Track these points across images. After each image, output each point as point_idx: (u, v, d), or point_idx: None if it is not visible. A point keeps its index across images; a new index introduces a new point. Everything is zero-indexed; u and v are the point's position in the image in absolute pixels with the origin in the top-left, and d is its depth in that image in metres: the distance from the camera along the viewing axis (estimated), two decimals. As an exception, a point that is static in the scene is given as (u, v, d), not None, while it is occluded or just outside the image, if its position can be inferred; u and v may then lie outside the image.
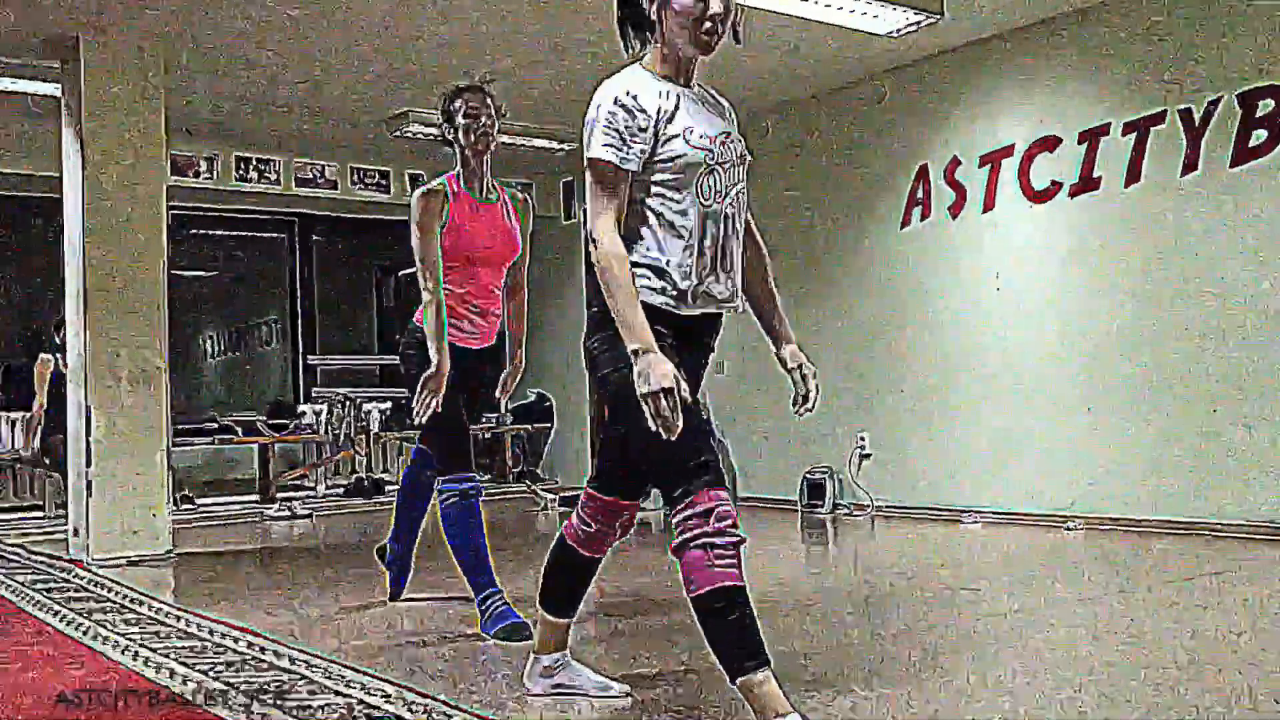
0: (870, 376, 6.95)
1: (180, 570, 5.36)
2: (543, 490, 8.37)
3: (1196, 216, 5.40)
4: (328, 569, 5.34)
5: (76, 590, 4.63)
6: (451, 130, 3.68)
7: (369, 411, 8.81)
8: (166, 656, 3.25)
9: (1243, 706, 2.49)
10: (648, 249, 2.34)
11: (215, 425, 8.66)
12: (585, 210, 2.32)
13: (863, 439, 6.97)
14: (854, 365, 7.05)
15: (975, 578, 4.63)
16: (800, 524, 6.81)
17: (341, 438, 8.57)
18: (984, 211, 6.31)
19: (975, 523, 6.20)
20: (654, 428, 2.15)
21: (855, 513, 6.90)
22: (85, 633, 3.68)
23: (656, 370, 2.14)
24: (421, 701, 2.66)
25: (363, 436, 8.69)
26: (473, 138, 3.63)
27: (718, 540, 2.16)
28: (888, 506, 6.80)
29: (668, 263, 2.33)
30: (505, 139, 7.78)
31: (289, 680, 2.91)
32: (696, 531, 2.18)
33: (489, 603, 3.50)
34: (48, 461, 7.49)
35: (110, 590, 4.60)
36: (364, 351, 11.06)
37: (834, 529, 6.59)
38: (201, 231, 10.02)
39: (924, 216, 6.61)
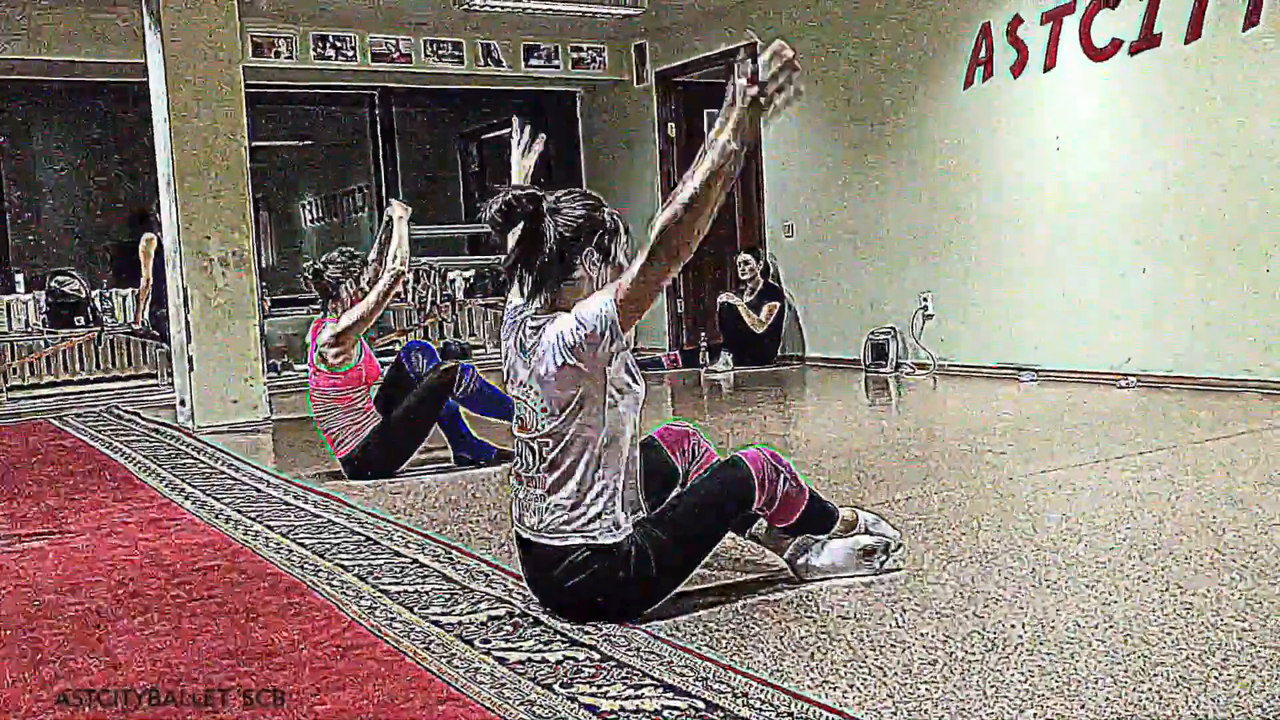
0: (933, 237, 7.04)
1: (277, 435, 5.84)
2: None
3: (1258, 73, 5.32)
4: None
5: (183, 458, 5.13)
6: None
7: (453, 279, 9.18)
8: (255, 520, 3.68)
9: (1245, 562, 2.70)
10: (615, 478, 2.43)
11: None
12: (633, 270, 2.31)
13: (926, 299, 7.10)
14: (917, 226, 7.13)
15: (1016, 434, 4.82)
16: (864, 383, 7.04)
17: (427, 304, 8.97)
18: (1045, 71, 6.25)
19: (1033, 380, 6.34)
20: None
21: (918, 372, 7.08)
22: (189, 499, 4.13)
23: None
24: (477, 566, 3.02)
25: (448, 303, 9.07)
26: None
27: None
28: (949, 365, 6.97)
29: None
30: (576, 7, 7.92)
31: (357, 543, 3.30)
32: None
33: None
34: (157, 334, 8.04)
35: (212, 457, 5.08)
36: (452, 218, 11.36)
37: (896, 388, 6.80)
38: (289, 106, 10.33)
39: (986, 76, 6.57)
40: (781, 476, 2.54)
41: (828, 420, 5.79)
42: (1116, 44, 5.88)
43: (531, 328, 2.43)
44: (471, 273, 9.44)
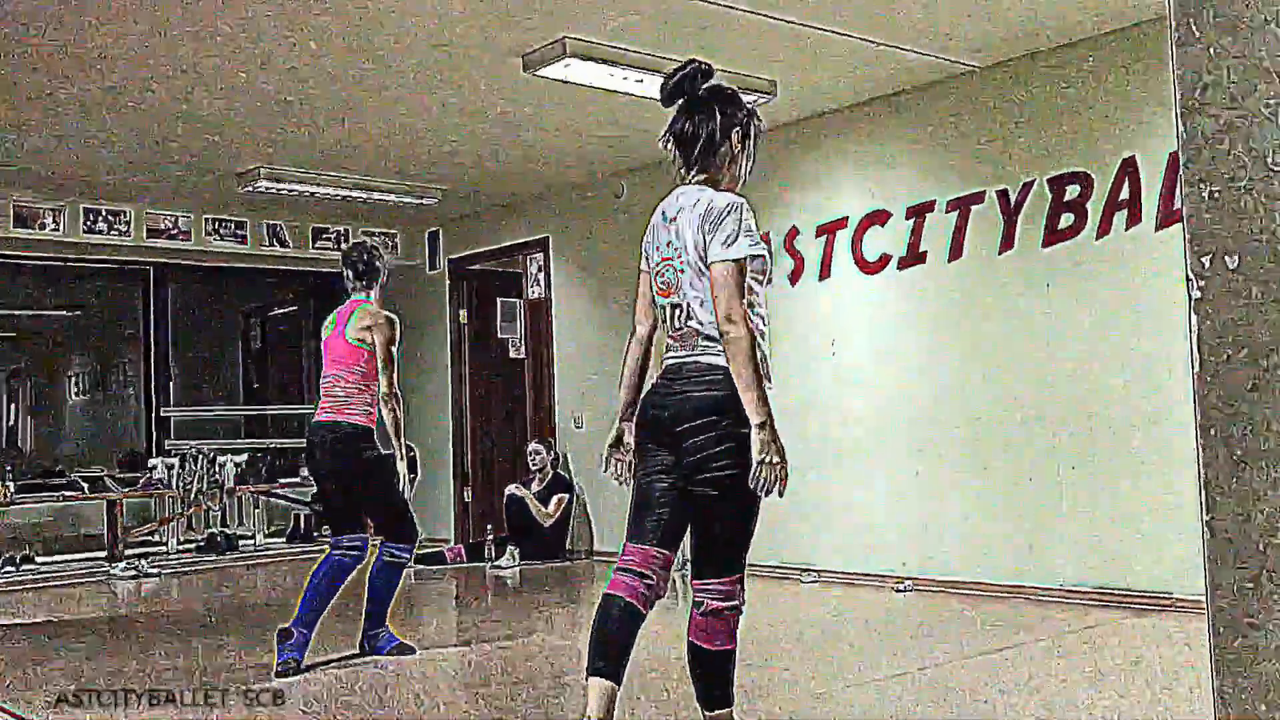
0: (718, 436, 7.09)
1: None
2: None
3: (1013, 292, 5.66)
4: (152, 650, 5.25)
5: (-120, 678, 4.49)
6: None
7: (223, 464, 8.68)
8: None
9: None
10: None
11: (62, 480, 8.43)
12: (717, 300, 2.78)
13: (711, 497, 7.10)
14: (703, 424, 7.18)
15: (802, 643, 4.76)
16: (650, 581, 6.91)
17: (194, 493, 8.43)
18: (820, 279, 6.52)
19: (815, 581, 6.37)
20: (773, 490, 2.71)
21: (703, 570, 7.01)
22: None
23: (779, 441, 2.72)
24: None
25: (216, 491, 8.55)
26: None
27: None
28: (734, 564, 6.93)
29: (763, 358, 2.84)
30: (371, 194, 7.85)
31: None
32: (733, 603, 2.84)
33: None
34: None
35: (-84, 677, 4.47)
36: (230, 400, 10.88)
37: (683, 588, 6.70)
38: (59, 278, 9.78)
39: (766, 283, 6.78)
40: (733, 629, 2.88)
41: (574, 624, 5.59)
42: (886, 259, 6.18)
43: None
44: (244, 458, 8.96)
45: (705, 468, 2.75)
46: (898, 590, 5.92)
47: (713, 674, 2.92)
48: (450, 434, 9.25)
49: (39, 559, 7.88)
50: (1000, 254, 5.71)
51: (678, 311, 2.89)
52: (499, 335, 9.48)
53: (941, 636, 4.82)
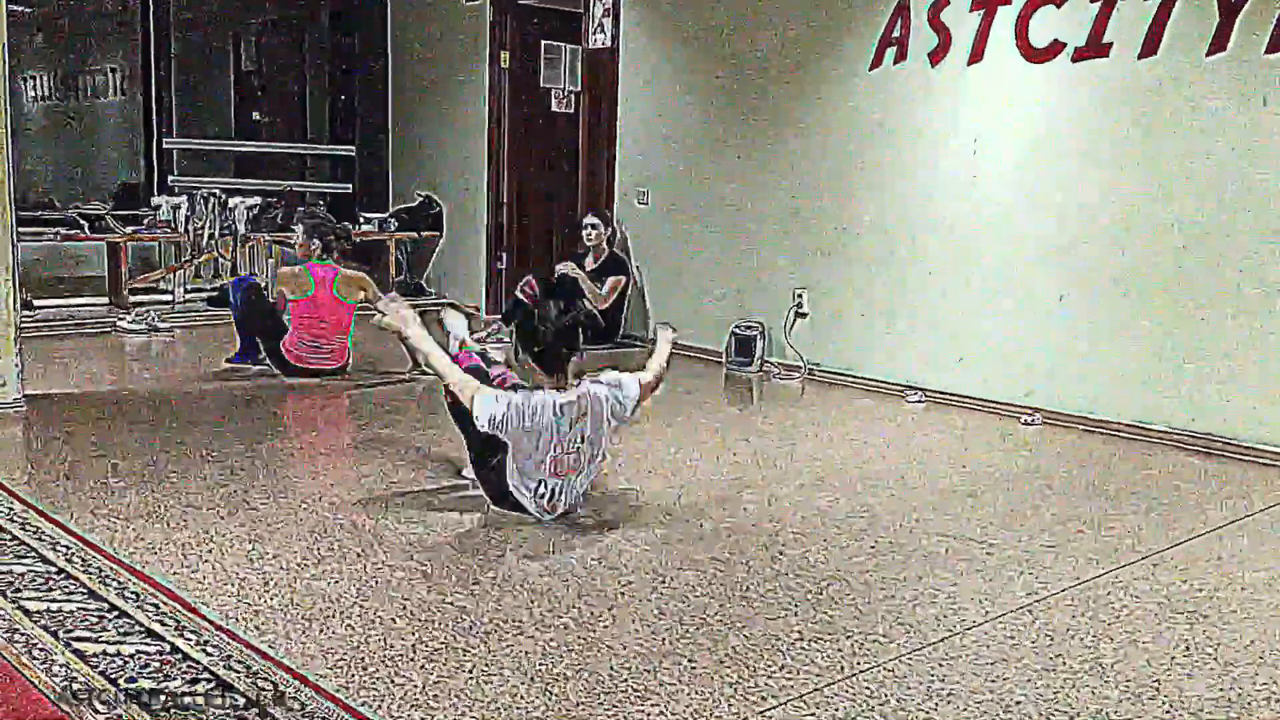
0: (816, 230, 6.37)
1: (31, 427, 4.52)
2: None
3: (1216, 103, 4.87)
4: (202, 433, 4.57)
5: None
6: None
7: (234, 208, 7.79)
8: None
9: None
10: None
11: (57, 216, 7.49)
12: None
13: (800, 296, 6.44)
14: (799, 216, 6.44)
15: (913, 472, 4.20)
16: (723, 383, 6.35)
17: (205, 239, 7.56)
18: (970, 63, 5.64)
19: (920, 402, 5.82)
20: None
21: (785, 375, 6.43)
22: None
23: None
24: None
25: (228, 238, 7.69)
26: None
27: None
28: (821, 371, 6.36)
29: None
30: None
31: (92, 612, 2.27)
32: None
33: None
34: None
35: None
36: (220, 133, 9.75)
37: (759, 392, 6.16)
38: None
39: (898, 59, 5.90)
40: None
41: (689, 436, 4.92)
42: (1058, 46, 5.31)
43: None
44: (257, 201, 8.04)
45: None
46: (1025, 423, 5.38)
47: None
48: (485, 194, 8.37)
49: (36, 304, 7.04)
50: (1208, 55, 4.87)
51: None
52: (543, 85, 8.49)
53: (1098, 493, 4.28)
